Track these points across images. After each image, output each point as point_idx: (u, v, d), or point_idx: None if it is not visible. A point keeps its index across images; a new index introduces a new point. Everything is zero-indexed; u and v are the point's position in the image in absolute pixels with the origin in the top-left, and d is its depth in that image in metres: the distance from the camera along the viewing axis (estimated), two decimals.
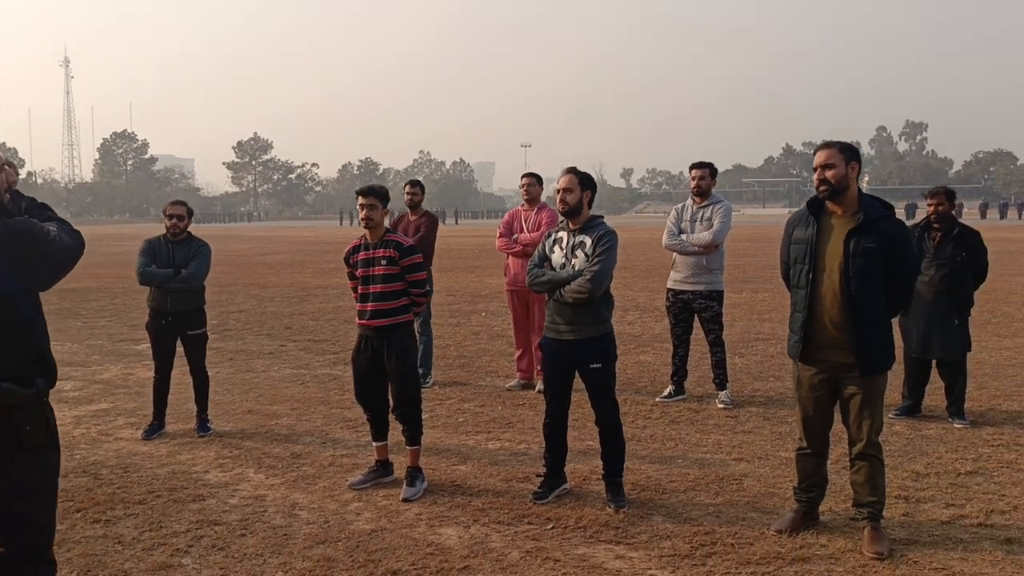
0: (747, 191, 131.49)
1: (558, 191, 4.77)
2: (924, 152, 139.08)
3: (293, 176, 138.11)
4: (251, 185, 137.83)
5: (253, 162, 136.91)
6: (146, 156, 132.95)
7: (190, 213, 6.55)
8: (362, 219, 4.99)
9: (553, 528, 4.48)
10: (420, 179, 8.95)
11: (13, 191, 2.83)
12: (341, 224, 79.08)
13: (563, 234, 4.87)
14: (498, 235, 7.72)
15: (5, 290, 2.59)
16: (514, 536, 4.39)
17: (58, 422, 6.29)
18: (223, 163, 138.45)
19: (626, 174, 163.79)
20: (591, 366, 4.75)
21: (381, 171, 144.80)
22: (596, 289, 4.62)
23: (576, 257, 4.74)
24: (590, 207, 4.84)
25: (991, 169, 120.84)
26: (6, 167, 2.74)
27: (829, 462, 4.56)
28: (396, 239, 5.07)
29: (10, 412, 2.59)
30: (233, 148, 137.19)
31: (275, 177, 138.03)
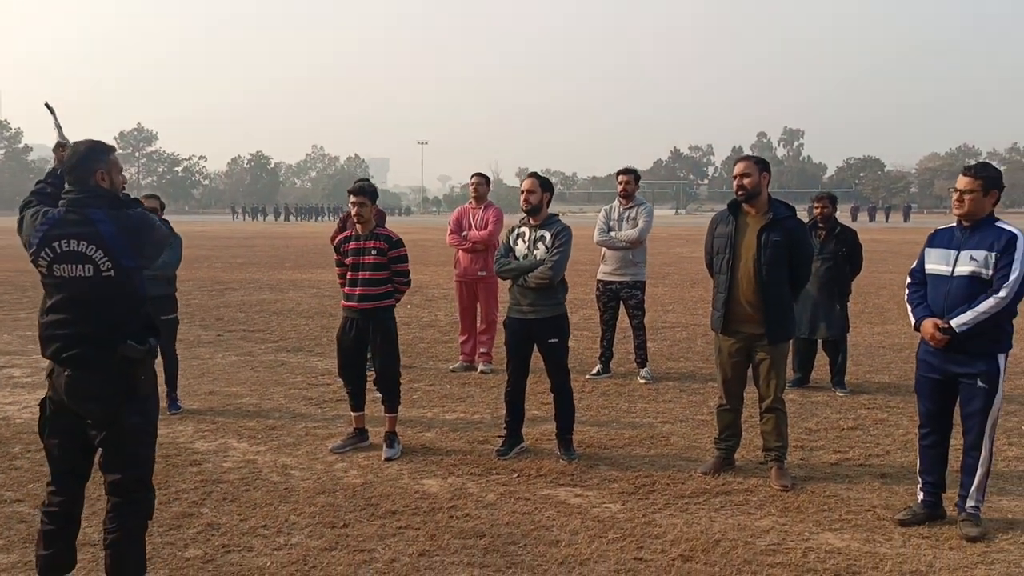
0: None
1: (522, 192, 5.59)
2: (800, 158, 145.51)
3: (179, 169, 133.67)
4: (134, 177, 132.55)
5: (136, 153, 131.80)
6: (20, 145, 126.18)
7: (163, 206, 7.04)
8: (354, 215, 5.70)
9: (519, 476, 5.30)
10: (368, 179, 9.49)
11: None
12: (234, 219, 77.35)
13: (525, 229, 5.69)
14: (449, 232, 8.44)
15: (128, 267, 3.22)
16: (487, 483, 5.19)
17: (20, 406, 6.89)
18: None
19: (521, 173, 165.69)
20: (549, 341, 5.60)
21: (272, 165, 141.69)
22: (556, 276, 5.47)
23: (537, 249, 5.57)
24: (548, 207, 5.68)
25: (861, 175, 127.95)
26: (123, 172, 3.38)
27: (741, 418, 5.55)
28: (386, 233, 5.79)
29: (131, 364, 3.22)
30: (115, 139, 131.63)
31: (160, 169, 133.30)
